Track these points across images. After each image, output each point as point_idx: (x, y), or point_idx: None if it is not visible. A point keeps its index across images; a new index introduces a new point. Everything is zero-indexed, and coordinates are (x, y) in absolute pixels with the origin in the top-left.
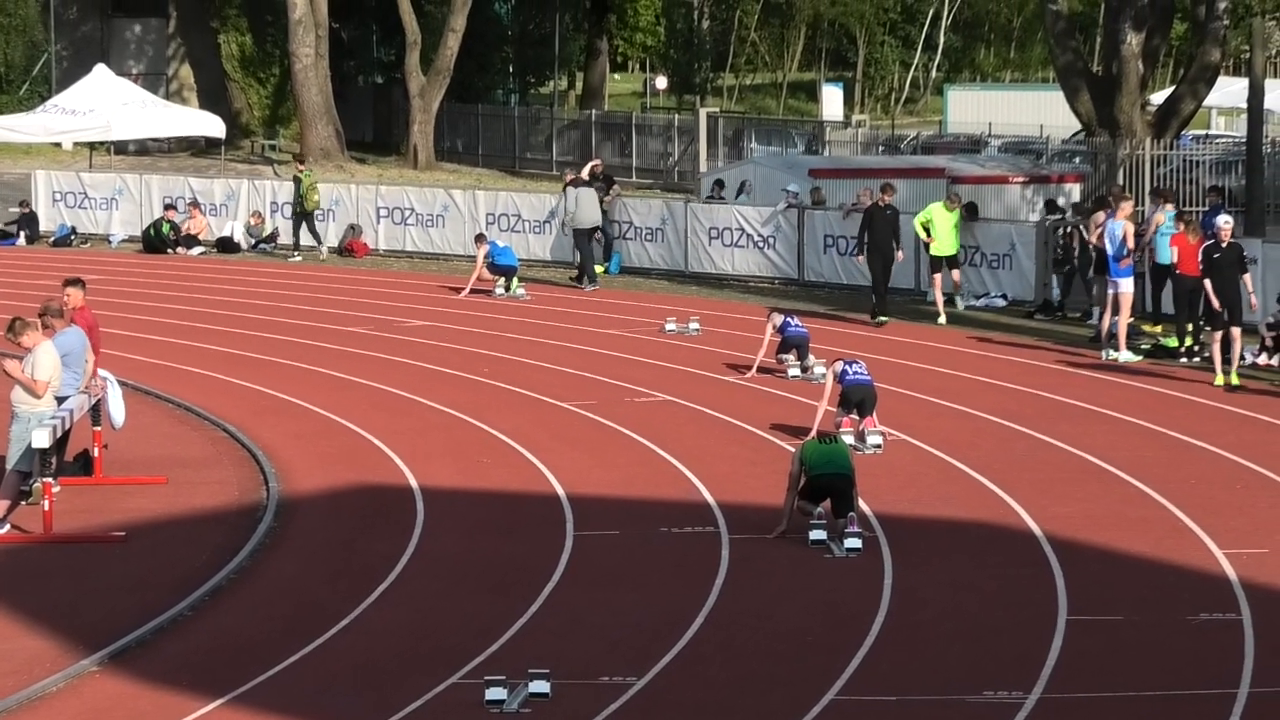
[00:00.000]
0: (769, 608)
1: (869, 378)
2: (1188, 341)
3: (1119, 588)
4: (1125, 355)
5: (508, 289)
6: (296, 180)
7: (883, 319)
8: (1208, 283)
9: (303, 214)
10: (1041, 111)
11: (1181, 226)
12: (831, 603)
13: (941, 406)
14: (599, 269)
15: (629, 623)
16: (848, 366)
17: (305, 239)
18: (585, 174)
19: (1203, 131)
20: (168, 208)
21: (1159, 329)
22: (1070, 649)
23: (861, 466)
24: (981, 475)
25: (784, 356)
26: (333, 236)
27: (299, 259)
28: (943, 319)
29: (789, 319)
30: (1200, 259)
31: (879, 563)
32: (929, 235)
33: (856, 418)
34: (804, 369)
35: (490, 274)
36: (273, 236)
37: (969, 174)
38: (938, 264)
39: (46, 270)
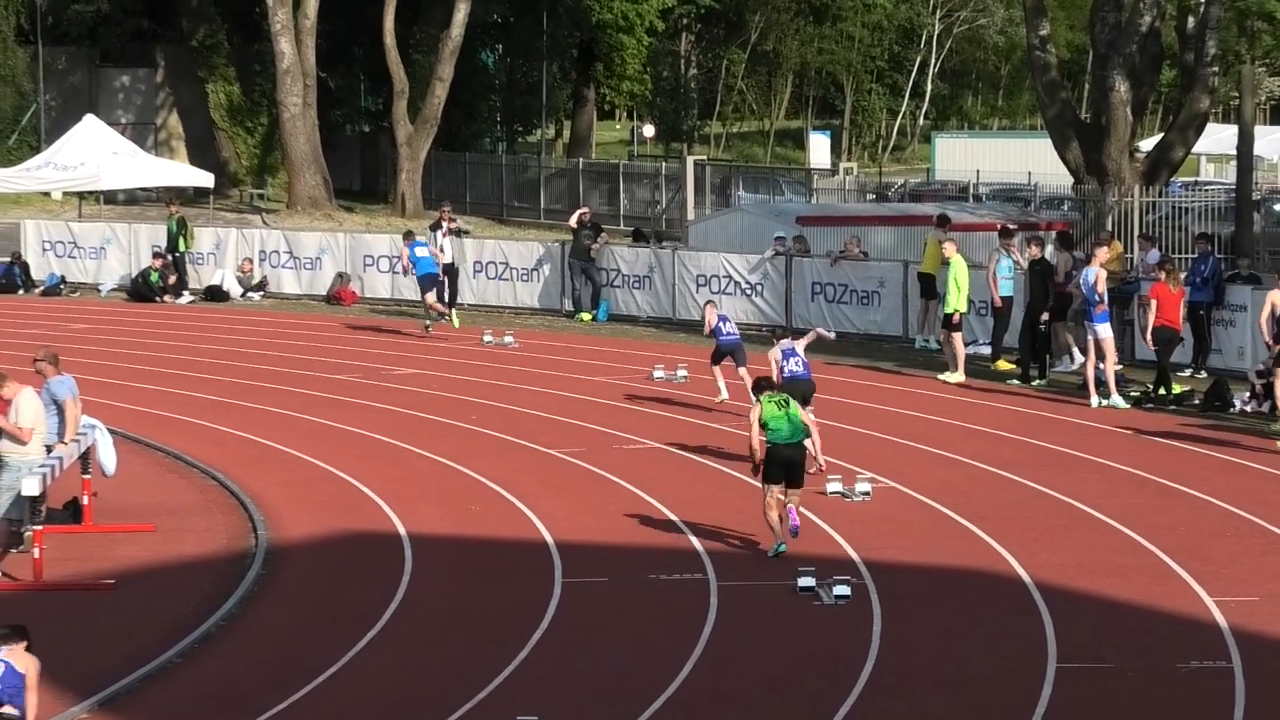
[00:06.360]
0: (757, 655)
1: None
2: (1176, 389)
3: (1109, 635)
4: (1117, 401)
5: (444, 307)
6: (183, 222)
7: (1030, 380)
8: None
9: (181, 256)
10: (1029, 159)
11: (1163, 275)
12: (820, 650)
13: (931, 454)
14: (586, 316)
15: (618, 670)
16: (785, 359)
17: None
18: (573, 222)
19: (1192, 178)
20: (155, 255)
21: (1013, 365)
22: (1060, 697)
23: (851, 514)
24: (971, 523)
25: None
26: (321, 285)
27: (189, 299)
28: (949, 376)
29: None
30: None
31: (868, 610)
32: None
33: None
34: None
35: (421, 290)
36: (262, 284)
37: (959, 221)
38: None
39: (36, 320)
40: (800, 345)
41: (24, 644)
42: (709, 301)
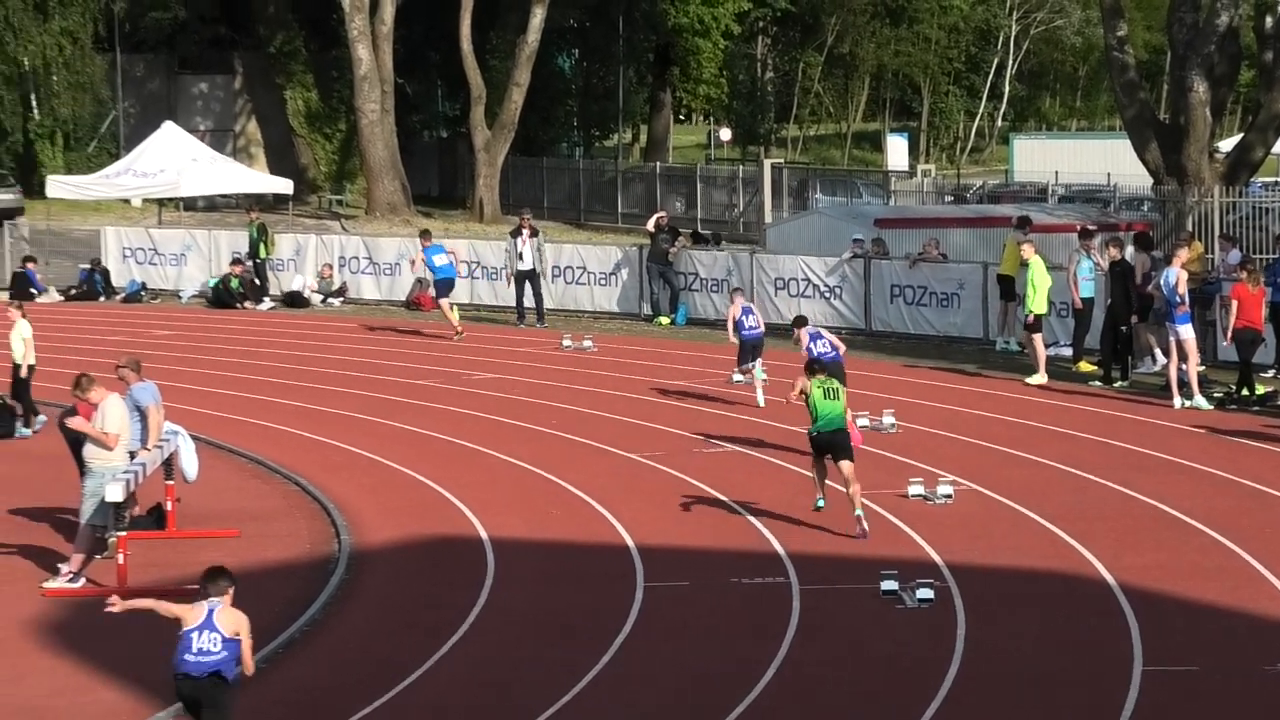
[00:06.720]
0: (841, 659)
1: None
2: (1259, 390)
3: (1195, 637)
4: (1199, 402)
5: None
6: (264, 229)
7: (1112, 382)
8: None
9: (262, 263)
10: (1108, 159)
11: (1243, 275)
12: (904, 654)
13: (1012, 456)
14: (665, 320)
15: (701, 674)
16: (813, 341)
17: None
18: (651, 226)
19: (1272, 178)
20: (234, 262)
21: (1095, 367)
22: (1147, 700)
23: (933, 517)
24: (1054, 525)
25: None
26: (400, 291)
27: (269, 306)
28: (1032, 378)
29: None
30: None
31: (951, 614)
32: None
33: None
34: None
35: (435, 295)
36: (342, 290)
37: (1037, 222)
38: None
39: (117, 326)
40: (828, 333)
41: (231, 590)
42: (736, 289)
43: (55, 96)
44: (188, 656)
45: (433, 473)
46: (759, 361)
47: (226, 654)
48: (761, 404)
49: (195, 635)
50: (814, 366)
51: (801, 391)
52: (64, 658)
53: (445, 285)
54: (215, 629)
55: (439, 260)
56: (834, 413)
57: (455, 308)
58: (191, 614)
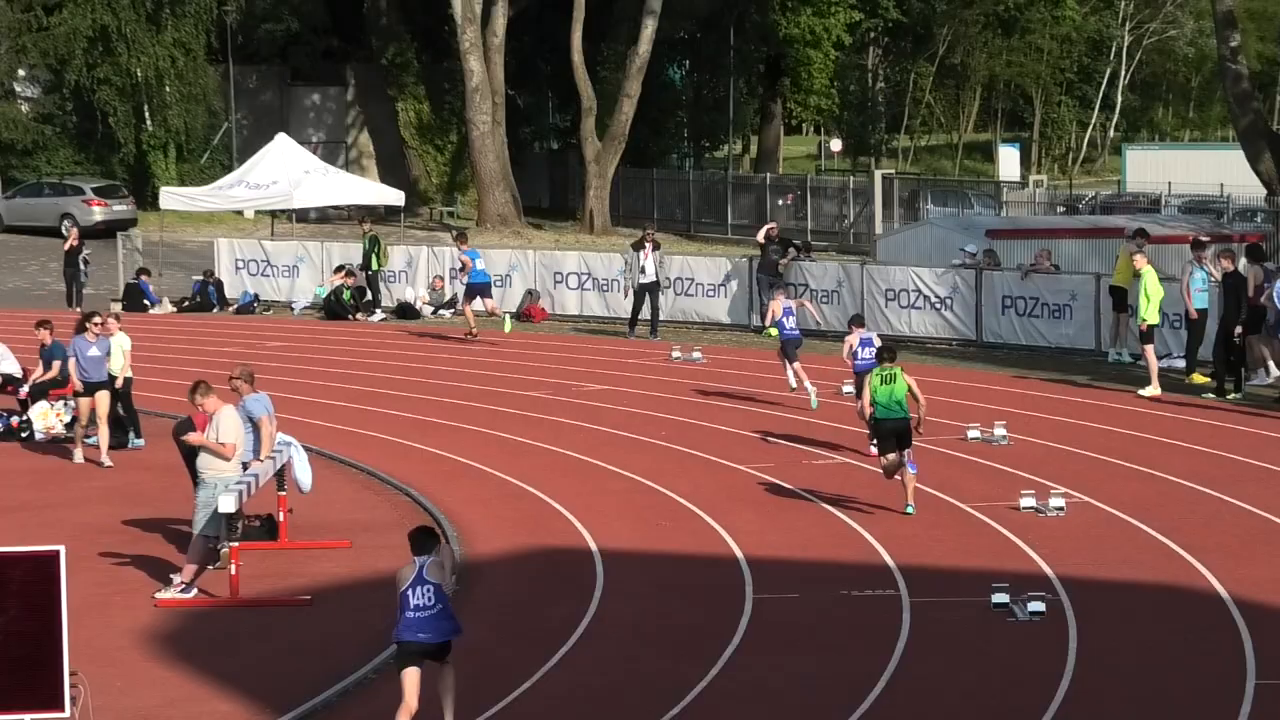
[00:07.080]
0: (952, 672)
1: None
2: None
3: None
4: None
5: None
6: (376, 240)
7: (1225, 393)
8: None
9: (374, 275)
10: (1221, 170)
11: None
12: (1015, 667)
13: (1125, 468)
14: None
15: (811, 687)
16: (862, 348)
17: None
18: (761, 237)
19: None
20: (347, 273)
21: (1208, 379)
22: (1260, 715)
23: (1045, 529)
24: (1166, 538)
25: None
26: (511, 302)
27: (381, 317)
28: (1145, 390)
29: (868, 343)
30: None
31: (1063, 627)
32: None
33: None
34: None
35: (465, 298)
36: (452, 302)
37: (1151, 233)
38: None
39: (230, 338)
40: (876, 337)
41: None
42: (779, 288)
43: (168, 108)
44: (408, 614)
45: (542, 484)
46: (797, 363)
47: (440, 606)
48: (793, 386)
49: (411, 592)
50: (881, 355)
51: (867, 397)
52: (176, 668)
53: (478, 289)
54: (427, 582)
55: (477, 264)
56: (891, 396)
57: (472, 311)
58: (405, 571)
